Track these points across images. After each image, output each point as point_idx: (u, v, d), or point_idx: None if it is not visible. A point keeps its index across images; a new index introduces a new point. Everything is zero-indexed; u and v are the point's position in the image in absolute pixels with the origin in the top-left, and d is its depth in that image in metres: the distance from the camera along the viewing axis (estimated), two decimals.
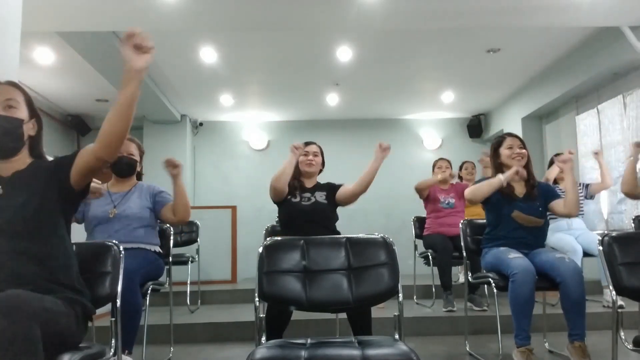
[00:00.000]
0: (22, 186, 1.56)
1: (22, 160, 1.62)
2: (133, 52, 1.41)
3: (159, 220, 2.91)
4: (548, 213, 2.91)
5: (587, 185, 4.43)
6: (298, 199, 2.98)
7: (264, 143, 7.90)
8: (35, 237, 1.51)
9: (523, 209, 2.85)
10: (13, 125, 1.56)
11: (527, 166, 2.94)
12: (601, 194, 5.31)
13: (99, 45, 4.69)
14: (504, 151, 2.96)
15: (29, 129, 1.62)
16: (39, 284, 1.46)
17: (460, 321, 3.66)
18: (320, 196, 3.01)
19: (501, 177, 2.84)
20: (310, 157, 3.10)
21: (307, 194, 3.01)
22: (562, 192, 3.97)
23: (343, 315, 2.74)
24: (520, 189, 2.93)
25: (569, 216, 3.00)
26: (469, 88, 6.62)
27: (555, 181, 4.25)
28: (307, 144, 3.15)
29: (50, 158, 1.71)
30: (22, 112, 1.60)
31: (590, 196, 4.41)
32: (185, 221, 2.85)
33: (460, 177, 4.98)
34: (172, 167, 2.69)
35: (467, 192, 2.97)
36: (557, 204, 2.90)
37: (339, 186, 3.07)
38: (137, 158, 2.91)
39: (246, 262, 6.03)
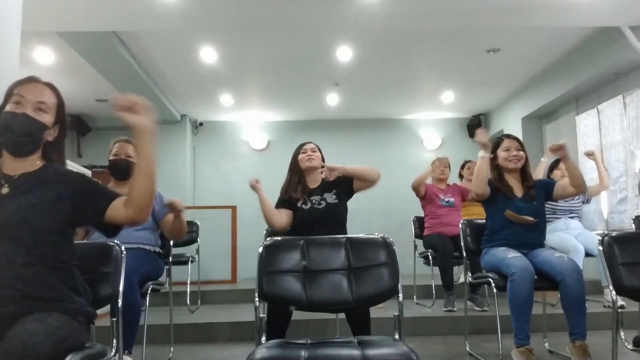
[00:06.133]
0: (31, 188, 1.52)
1: (32, 161, 1.58)
2: (127, 115, 1.44)
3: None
4: (547, 214, 2.90)
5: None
6: (309, 205, 2.87)
7: (264, 143, 7.91)
8: (41, 242, 1.47)
9: (519, 208, 2.86)
10: (36, 128, 1.55)
11: (525, 167, 2.96)
12: (601, 194, 5.30)
13: (99, 45, 4.70)
14: (501, 153, 2.97)
15: (49, 134, 1.61)
16: (41, 293, 1.44)
17: (460, 321, 3.66)
18: (331, 197, 2.92)
19: (481, 155, 2.84)
20: (309, 152, 3.02)
21: (316, 197, 2.90)
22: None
23: (343, 315, 2.74)
24: (518, 189, 2.94)
25: (579, 193, 2.98)
26: (469, 88, 6.62)
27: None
28: (303, 144, 3.14)
29: (70, 165, 1.68)
30: (49, 118, 1.59)
31: (587, 200, 4.36)
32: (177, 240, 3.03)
33: (461, 176, 4.98)
34: (176, 210, 2.72)
35: (473, 186, 2.94)
36: (560, 187, 2.90)
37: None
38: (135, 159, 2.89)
39: (246, 262, 6.02)
